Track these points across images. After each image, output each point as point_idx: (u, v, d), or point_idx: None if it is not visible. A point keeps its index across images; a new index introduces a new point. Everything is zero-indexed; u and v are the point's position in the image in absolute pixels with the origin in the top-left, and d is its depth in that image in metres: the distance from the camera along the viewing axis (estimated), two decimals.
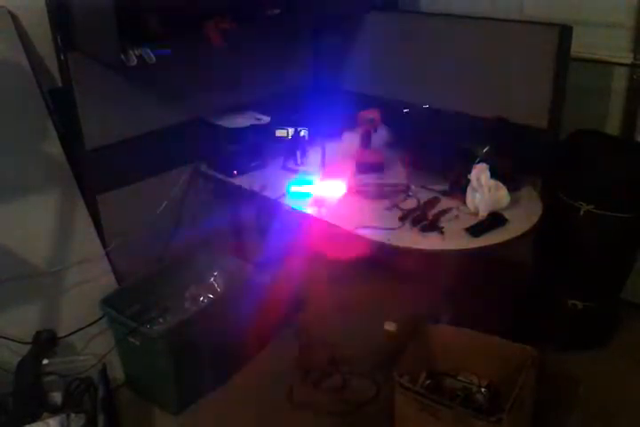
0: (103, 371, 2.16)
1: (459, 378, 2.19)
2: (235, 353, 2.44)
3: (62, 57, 2.18)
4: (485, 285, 2.27)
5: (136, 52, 2.00)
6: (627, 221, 2.30)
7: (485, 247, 1.96)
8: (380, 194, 2.27)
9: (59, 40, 2.16)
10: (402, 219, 2.11)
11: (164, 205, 2.54)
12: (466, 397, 2.14)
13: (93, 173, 2.36)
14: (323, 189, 2.31)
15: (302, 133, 2.64)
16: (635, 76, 2.46)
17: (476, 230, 2.01)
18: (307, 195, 2.30)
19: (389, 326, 2.63)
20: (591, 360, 2.48)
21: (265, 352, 2.55)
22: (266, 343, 2.57)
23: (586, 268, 2.40)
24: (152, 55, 2.03)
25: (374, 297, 2.50)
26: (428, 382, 2.17)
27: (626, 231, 2.35)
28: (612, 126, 2.55)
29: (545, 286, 2.50)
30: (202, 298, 2.48)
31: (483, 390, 2.15)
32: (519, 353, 2.06)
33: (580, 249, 2.38)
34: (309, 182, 2.33)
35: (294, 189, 2.32)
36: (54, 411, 1.99)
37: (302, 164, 2.59)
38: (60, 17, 2.12)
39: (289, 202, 2.30)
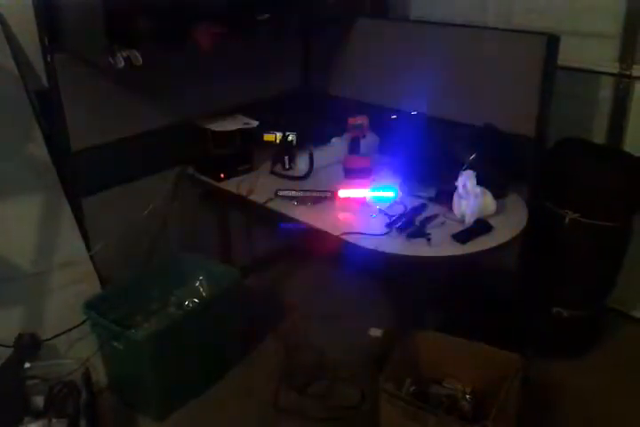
0: (86, 375, 2.14)
1: (444, 385, 2.19)
2: (219, 358, 2.43)
3: (49, 58, 2.16)
4: (471, 292, 2.27)
5: (123, 54, 1.99)
6: (612, 230, 2.31)
7: (471, 254, 1.96)
8: (368, 200, 2.27)
9: (45, 41, 2.14)
10: (389, 225, 2.11)
11: (149, 208, 2.53)
12: (451, 403, 2.14)
13: (78, 176, 2.35)
14: (311, 196, 2.30)
15: (290, 138, 2.63)
16: (621, 86, 2.47)
17: (462, 237, 2.02)
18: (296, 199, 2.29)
19: (375, 333, 2.64)
20: (575, 368, 2.49)
21: (250, 357, 2.53)
22: (251, 348, 2.55)
23: (571, 276, 2.41)
24: (139, 57, 2.01)
25: (360, 302, 2.49)
26: (413, 388, 2.16)
27: (611, 240, 2.36)
28: (599, 135, 2.57)
29: (530, 294, 2.50)
30: (187, 302, 2.46)
31: (467, 396, 2.15)
32: (504, 361, 2.06)
33: (565, 257, 2.39)
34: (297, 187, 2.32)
35: (281, 193, 2.31)
36: (36, 415, 1.96)
37: (290, 168, 2.59)
38: (46, 18, 2.10)
39: (276, 206, 2.29)
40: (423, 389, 2.18)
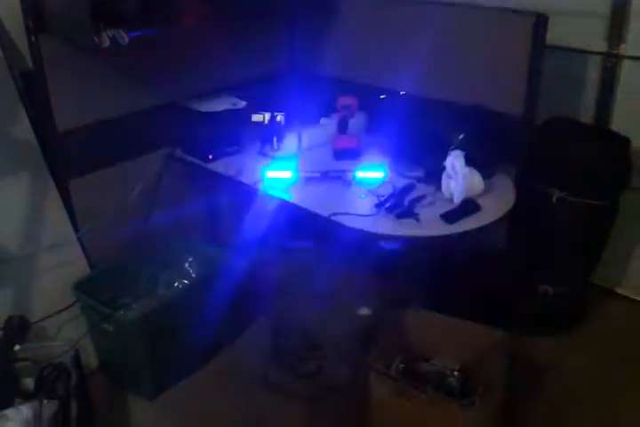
0: (76, 357, 2.14)
1: (432, 362, 2.21)
2: (210, 339, 2.44)
3: (33, 39, 2.13)
4: (459, 271, 2.29)
5: (109, 34, 1.97)
6: (598, 209, 2.34)
7: (459, 234, 1.97)
8: (356, 180, 2.27)
9: (29, 22, 2.11)
10: (378, 206, 2.11)
11: (137, 189, 2.51)
12: (439, 380, 2.16)
13: (65, 157, 2.32)
14: (299, 176, 2.30)
15: (279, 118, 2.61)
16: (608, 65, 2.48)
17: (450, 217, 2.03)
18: (282, 180, 2.29)
19: (364, 311, 2.65)
20: (560, 345, 2.53)
21: (240, 337, 2.55)
22: (241, 329, 2.57)
23: (557, 254, 2.44)
24: (125, 37, 1.99)
25: (349, 282, 2.50)
26: (402, 366, 2.19)
27: (597, 218, 2.38)
28: (586, 114, 2.58)
29: (517, 272, 2.53)
30: (176, 283, 2.46)
31: (455, 373, 2.17)
32: (490, 337, 2.10)
33: (551, 235, 2.42)
34: (285, 167, 2.32)
35: (270, 174, 2.31)
36: (26, 397, 1.96)
37: (279, 149, 2.58)
38: None
39: (264, 187, 2.29)
40: (412, 366, 2.21)
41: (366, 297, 2.52)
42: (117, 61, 2.31)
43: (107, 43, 1.94)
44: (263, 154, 2.58)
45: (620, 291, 2.79)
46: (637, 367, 2.44)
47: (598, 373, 2.42)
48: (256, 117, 2.60)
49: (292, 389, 2.34)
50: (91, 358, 2.40)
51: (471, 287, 2.36)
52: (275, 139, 2.59)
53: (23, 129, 2.25)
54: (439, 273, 2.21)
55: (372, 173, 2.27)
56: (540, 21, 2.17)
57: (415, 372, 2.19)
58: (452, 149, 2.18)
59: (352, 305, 2.53)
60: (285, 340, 2.50)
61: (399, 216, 2.05)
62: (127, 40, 1.98)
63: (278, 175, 2.30)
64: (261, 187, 2.29)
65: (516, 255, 2.51)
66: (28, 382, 2.07)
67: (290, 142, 2.57)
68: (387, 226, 2.02)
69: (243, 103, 2.54)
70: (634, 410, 2.25)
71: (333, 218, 2.06)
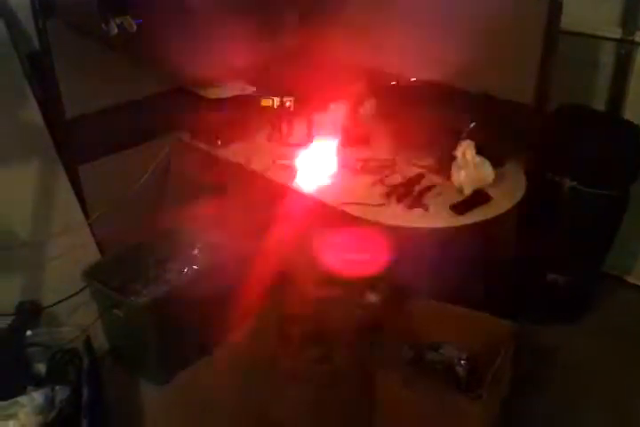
0: (87, 342, 2.16)
1: (440, 351, 2.22)
2: (219, 324, 2.46)
3: (40, 24, 2.11)
4: (469, 259, 2.28)
5: (117, 21, 1.95)
6: (610, 198, 2.32)
7: (469, 225, 1.97)
8: (366, 169, 2.26)
9: (36, 5, 2.09)
10: (387, 195, 2.11)
11: (146, 175, 2.52)
12: (446, 369, 2.18)
13: (74, 142, 2.32)
14: (310, 164, 2.29)
15: (288, 104, 2.60)
16: (623, 51, 2.44)
17: (460, 208, 2.02)
18: (293, 169, 2.28)
19: (371, 298, 2.66)
20: (568, 333, 2.53)
21: (249, 323, 2.56)
22: (250, 314, 2.58)
23: (567, 243, 2.43)
24: (133, 24, 1.97)
25: (357, 268, 2.50)
26: (410, 354, 2.21)
27: (608, 208, 2.37)
28: (599, 101, 2.54)
29: (526, 261, 2.52)
30: (185, 269, 2.48)
31: (462, 362, 2.19)
32: (498, 328, 2.10)
33: (562, 225, 2.40)
34: (295, 156, 2.32)
35: (280, 162, 2.30)
36: (38, 383, 1.99)
37: (288, 134, 2.57)
38: None
39: (275, 176, 2.28)
40: (419, 355, 2.22)
41: (374, 283, 2.51)
42: (125, 46, 2.28)
43: (115, 31, 1.93)
44: (272, 139, 2.56)
45: (630, 279, 2.78)
46: None
47: (608, 361, 2.43)
48: (265, 102, 2.59)
49: (301, 374, 2.36)
50: (101, 343, 2.42)
51: (481, 275, 2.35)
52: (284, 125, 2.57)
53: (31, 113, 2.24)
54: (448, 261, 2.20)
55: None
56: (554, 7, 2.12)
57: (423, 360, 2.21)
58: (463, 139, 2.16)
59: (362, 291, 2.52)
60: (294, 325, 2.50)
61: (409, 207, 2.04)
62: (135, 28, 1.96)
63: (288, 163, 2.29)
64: (271, 176, 2.28)
65: (525, 244, 2.50)
66: (40, 367, 2.09)
67: (299, 129, 2.55)
68: (396, 216, 2.01)
69: (251, 89, 2.52)
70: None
71: (343, 208, 2.06)
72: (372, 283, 2.57)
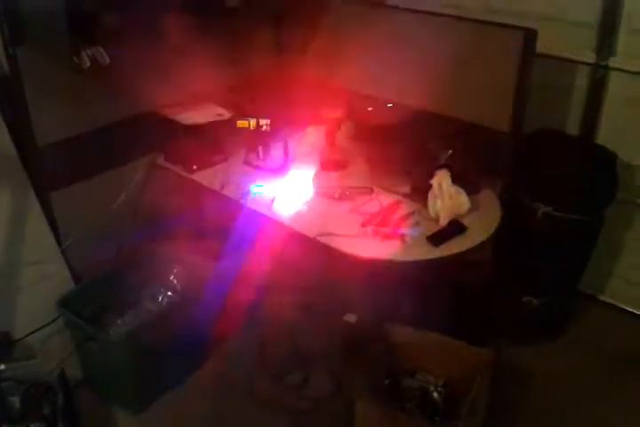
0: (61, 376, 2.14)
1: (416, 377, 2.24)
2: (195, 351, 2.44)
3: (11, 51, 2.07)
4: (444, 287, 2.30)
5: (89, 53, 1.91)
6: (584, 223, 2.34)
7: (445, 257, 1.98)
8: (343, 196, 2.26)
9: (6, 32, 2.04)
10: (364, 225, 2.11)
11: (120, 199, 2.49)
12: (423, 396, 2.20)
13: (46, 169, 2.28)
14: (286, 191, 2.28)
15: (264, 125, 2.58)
16: (597, 76, 2.45)
17: (436, 239, 2.03)
18: (268, 196, 2.27)
19: (349, 319, 2.66)
20: (544, 353, 2.56)
21: (225, 349, 2.55)
22: (226, 340, 2.57)
23: (541, 267, 2.45)
24: (105, 56, 1.93)
25: (335, 293, 2.50)
26: (387, 381, 2.22)
27: (582, 233, 2.39)
28: (573, 125, 2.56)
29: (500, 284, 2.54)
30: (161, 296, 2.45)
31: (439, 389, 2.21)
32: (475, 355, 2.12)
33: (536, 249, 2.42)
34: (271, 182, 2.30)
35: (256, 189, 2.29)
36: (12, 419, 1.96)
37: (264, 158, 2.55)
38: (6, 8, 1.99)
39: (250, 203, 2.27)
40: (396, 381, 2.24)
41: (352, 306, 2.51)
42: (97, 73, 2.24)
43: (87, 64, 1.90)
44: (248, 163, 2.55)
45: (603, 298, 2.81)
46: (621, 373, 2.49)
47: (582, 380, 2.46)
48: (241, 123, 2.56)
49: (278, 400, 2.35)
50: (76, 371, 2.39)
51: (456, 301, 2.36)
52: (260, 148, 2.55)
53: (2, 140, 2.19)
54: (424, 290, 2.21)
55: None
56: (529, 37, 2.14)
57: (400, 386, 2.22)
58: (439, 167, 2.17)
59: (339, 315, 2.52)
60: (272, 350, 2.50)
61: (385, 237, 2.04)
62: (108, 60, 1.93)
63: (264, 190, 2.28)
64: (246, 202, 2.27)
65: (500, 267, 2.52)
66: (14, 401, 2.07)
67: (275, 152, 2.53)
68: (372, 248, 2.01)
69: (227, 114, 2.49)
70: (620, 415, 2.30)
71: (319, 239, 2.05)
72: (349, 305, 2.59)
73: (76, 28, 1.85)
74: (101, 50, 1.93)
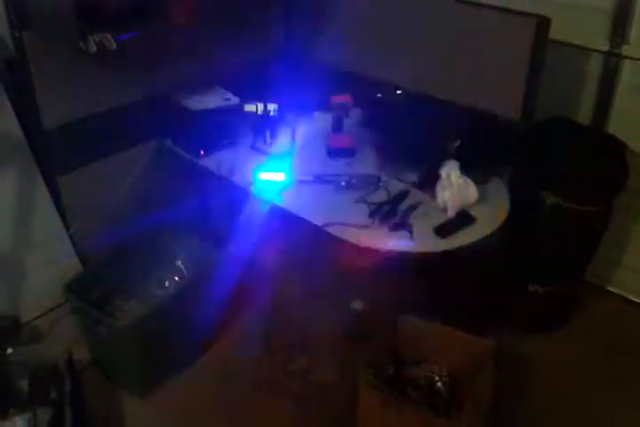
0: (69, 360, 2.15)
1: (421, 366, 2.25)
2: (201, 336, 2.46)
3: (17, 34, 2.05)
4: (451, 278, 2.29)
5: (95, 39, 1.89)
6: (592, 214, 2.33)
7: (452, 250, 1.97)
8: (350, 185, 2.24)
9: (12, 16, 2.02)
10: (371, 215, 2.10)
11: (127, 183, 2.49)
12: (428, 385, 2.21)
13: (53, 152, 2.28)
14: (292, 177, 2.27)
15: (271, 109, 2.56)
16: (609, 64, 2.42)
17: (444, 231, 2.02)
18: (275, 183, 2.26)
19: (356, 305, 2.67)
20: (549, 342, 2.56)
21: (231, 335, 2.56)
22: (232, 326, 2.58)
23: (547, 256, 2.44)
24: (112, 41, 1.91)
25: (342, 280, 2.51)
26: (392, 370, 2.23)
27: (590, 223, 2.37)
28: (584, 113, 2.53)
29: (508, 272, 2.54)
30: (168, 281, 2.46)
31: (444, 378, 2.22)
32: (480, 346, 2.12)
33: (544, 239, 2.41)
34: (278, 169, 2.29)
35: (263, 176, 2.27)
36: (20, 404, 1.99)
37: (271, 144, 2.53)
38: None
39: (256, 190, 2.26)
40: (401, 370, 2.25)
41: (359, 294, 2.52)
42: (104, 58, 2.22)
43: (94, 49, 1.87)
44: (255, 148, 2.53)
45: (610, 288, 2.80)
46: (627, 364, 2.50)
47: (587, 369, 2.47)
48: (248, 108, 2.55)
49: (283, 386, 2.37)
50: (83, 354, 2.41)
51: (462, 292, 2.36)
52: (267, 133, 2.54)
53: (8, 122, 2.19)
54: (430, 281, 2.21)
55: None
56: (542, 25, 2.10)
57: (405, 375, 2.23)
58: (448, 159, 2.15)
59: (345, 302, 2.53)
60: (277, 337, 2.51)
61: (393, 228, 2.04)
62: (115, 45, 1.91)
63: (271, 177, 2.27)
64: (253, 190, 2.26)
65: (507, 256, 2.51)
66: (22, 385, 2.09)
67: (283, 138, 2.52)
68: (380, 239, 2.00)
69: (235, 99, 2.47)
70: (624, 407, 2.31)
71: (326, 228, 2.05)
72: (356, 292, 2.59)
73: (83, 14, 1.81)
74: (108, 35, 1.91)
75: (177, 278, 2.48)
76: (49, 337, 2.31)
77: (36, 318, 2.28)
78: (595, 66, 2.46)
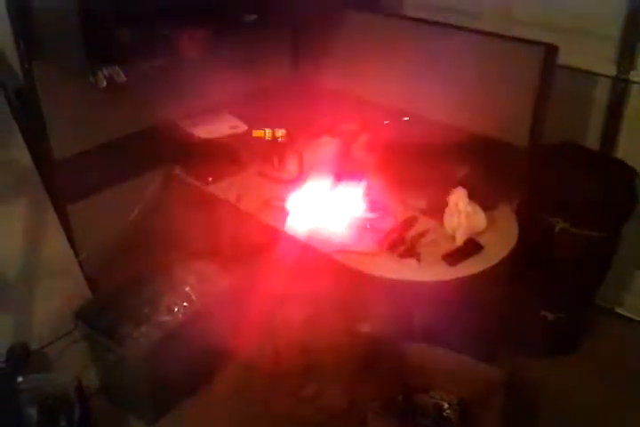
0: (79, 389, 2.15)
1: (430, 394, 2.24)
2: (211, 362, 2.46)
3: (26, 64, 2.07)
4: (460, 306, 2.28)
5: (105, 73, 1.91)
6: (601, 240, 2.32)
7: (461, 278, 1.97)
8: (359, 211, 2.25)
9: (22, 47, 2.05)
10: (380, 242, 2.10)
11: (136, 211, 2.50)
12: (437, 413, 2.20)
13: (63, 181, 2.29)
14: (301, 204, 2.28)
15: (280, 135, 2.58)
16: (617, 90, 2.42)
17: (452, 259, 2.02)
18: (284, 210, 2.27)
19: (364, 328, 2.66)
20: (559, 367, 2.56)
21: (240, 361, 2.56)
22: (241, 352, 2.58)
23: (557, 281, 2.43)
24: (122, 74, 1.93)
25: (349, 309, 2.50)
26: (401, 398, 2.22)
27: (599, 249, 2.37)
28: (592, 139, 2.53)
29: (516, 298, 2.52)
30: (177, 308, 2.47)
31: (453, 406, 2.21)
32: (489, 374, 2.11)
33: (553, 264, 2.40)
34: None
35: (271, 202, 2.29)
36: None
37: (280, 169, 2.54)
38: (21, 24, 1.99)
39: (265, 217, 2.27)
40: (410, 398, 2.24)
41: (367, 322, 2.51)
42: (114, 90, 2.24)
43: (103, 83, 1.89)
44: (263, 175, 2.54)
45: (620, 311, 2.79)
46: (635, 387, 2.48)
47: (597, 395, 2.45)
48: (257, 133, 2.57)
49: (291, 413, 2.36)
50: (92, 380, 2.42)
51: (472, 319, 2.35)
52: (275, 159, 2.55)
53: (19, 151, 2.21)
54: (439, 309, 2.20)
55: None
56: (550, 53, 2.10)
57: (414, 403, 2.23)
58: (456, 184, 2.15)
59: (352, 328, 2.52)
60: (285, 362, 2.50)
61: (401, 256, 2.04)
62: (124, 78, 1.93)
63: (280, 204, 2.28)
64: (262, 216, 2.27)
65: (516, 282, 2.49)
66: (32, 413, 2.10)
67: (291, 162, 2.53)
68: (388, 267, 2.00)
69: (243, 126, 2.49)
70: None
71: (334, 256, 2.05)
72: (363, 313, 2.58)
73: (93, 48, 1.83)
74: (118, 68, 1.92)
75: (186, 304, 2.48)
76: (58, 364, 2.32)
77: (46, 345, 2.28)
78: (602, 91, 2.46)
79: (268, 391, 2.42)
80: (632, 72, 2.36)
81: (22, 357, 2.21)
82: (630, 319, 2.77)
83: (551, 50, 2.10)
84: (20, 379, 2.14)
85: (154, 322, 2.41)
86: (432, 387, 2.24)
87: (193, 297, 2.51)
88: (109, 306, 2.37)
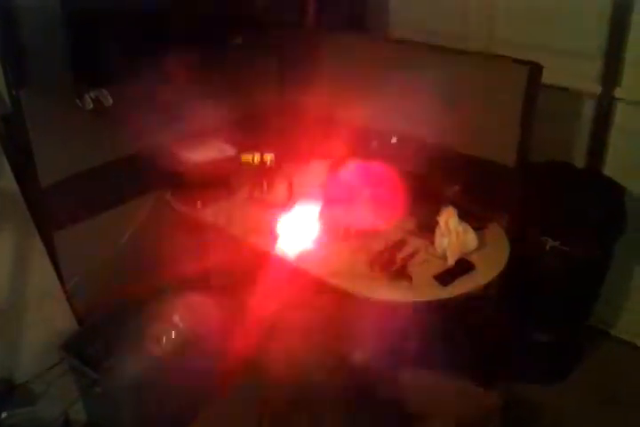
0: (66, 423, 2.09)
1: (426, 421, 2.18)
2: (200, 393, 2.40)
3: (14, 91, 2.07)
4: (452, 327, 2.25)
5: (92, 96, 1.90)
6: (592, 258, 2.30)
7: (453, 298, 1.94)
8: (349, 234, 2.23)
9: (9, 75, 2.04)
10: (370, 264, 2.07)
11: (124, 238, 2.46)
12: None
13: (49, 208, 2.26)
14: (291, 228, 2.26)
15: (268, 159, 2.58)
16: (603, 107, 2.43)
17: (444, 278, 1.99)
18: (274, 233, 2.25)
19: (357, 357, 2.60)
20: (553, 390, 2.51)
21: (230, 391, 2.50)
22: (231, 382, 2.52)
23: (548, 303, 2.40)
24: (109, 97, 1.93)
25: (342, 333, 2.46)
26: (396, 423, 2.17)
27: (591, 267, 2.35)
28: (579, 156, 2.53)
29: (509, 320, 2.49)
30: (165, 338, 2.41)
31: None
32: (485, 398, 2.07)
33: (544, 284, 2.38)
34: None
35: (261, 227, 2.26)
36: None
37: (269, 193, 2.53)
38: (8, 51, 1.99)
39: (255, 241, 2.24)
40: (407, 424, 2.18)
41: (360, 346, 2.46)
42: (101, 114, 2.23)
43: (90, 106, 1.89)
44: (253, 199, 2.53)
45: (614, 333, 2.76)
46: (631, 411, 2.43)
47: (592, 418, 2.40)
48: (245, 157, 2.57)
49: None
50: (80, 413, 2.35)
51: (465, 338, 2.32)
52: (264, 183, 2.54)
53: (5, 179, 2.18)
54: (431, 331, 2.16)
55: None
56: (534, 72, 2.12)
57: None
58: (446, 204, 2.14)
59: (345, 349, 2.47)
60: (275, 395, 2.44)
61: (393, 278, 2.01)
62: (111, 101, 1.92)
63: (269, 228, 2.26)
64: (252, 240, 2.24)
65: (507, 303, 2.47)
66: None
67: (280, 187, 2.51)
68: (379, 289, 1.97)
69: (231, 151, 2.48)
70: None
71: (325, 279, 2.02)
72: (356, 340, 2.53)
73: (80, 72, 1.83)
74: (105, 92, 1.92)
75: (174, 334, 2.42)
76: (45, 398, 2.24)
77: (32, 378, 2.22)
78: (588, 109, 2.48)
79: (259, 424, 2.35)
80: (617, 89, 2.38)
81: (5, 391, 2.15)
82: (625, 341, 2.73)
83: (536, 69, 2.12)
84: (4, 415, 2.08)
85: (141, 352, 2.35)
86: (428, 412, 2.18)
87: (181, 326, 2.45)
88: (96, 337, 2.31)
